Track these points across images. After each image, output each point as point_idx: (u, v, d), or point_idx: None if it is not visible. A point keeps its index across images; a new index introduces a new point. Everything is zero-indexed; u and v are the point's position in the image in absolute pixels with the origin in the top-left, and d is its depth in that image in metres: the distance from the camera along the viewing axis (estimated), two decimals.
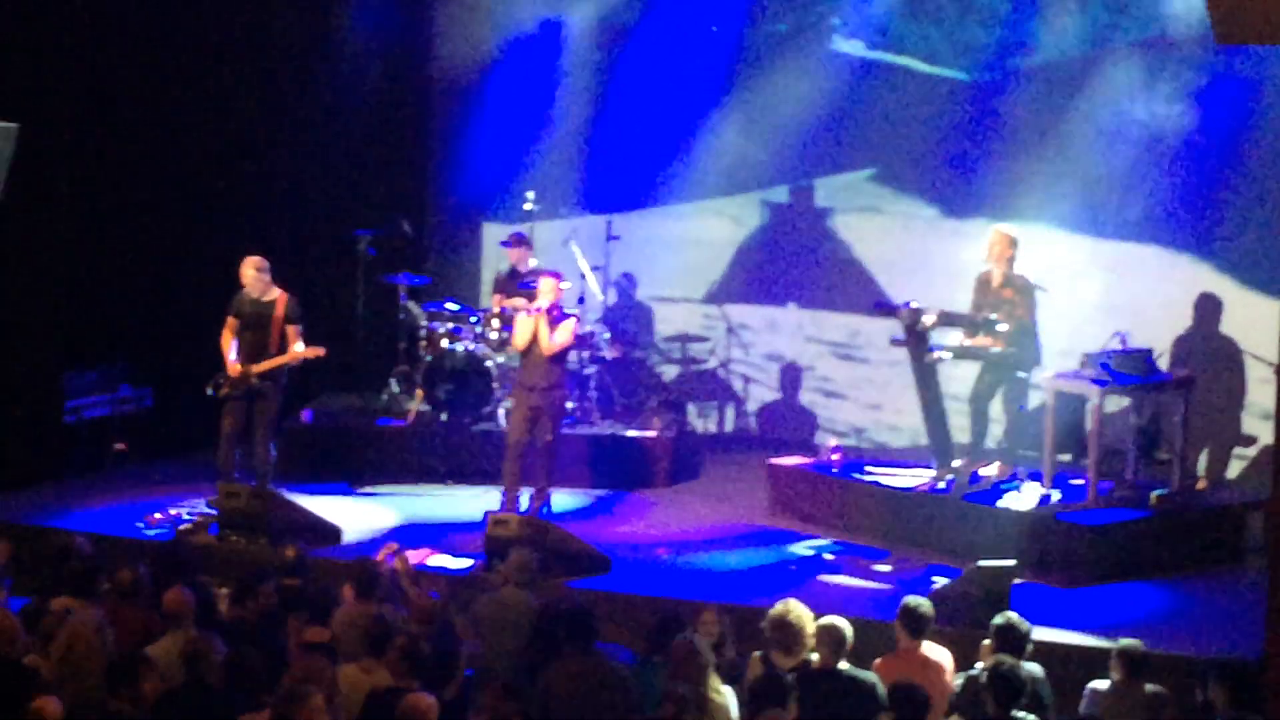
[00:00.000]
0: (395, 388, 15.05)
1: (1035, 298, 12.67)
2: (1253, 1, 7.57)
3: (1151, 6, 14.56)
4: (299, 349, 13.12)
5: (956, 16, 15.25)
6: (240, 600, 9.70)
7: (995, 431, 13.15)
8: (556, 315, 13.01)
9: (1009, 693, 8.22)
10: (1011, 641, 8.94)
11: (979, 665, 8.91)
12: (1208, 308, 14.32)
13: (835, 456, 13.56)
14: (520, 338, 13.08)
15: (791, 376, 16.29)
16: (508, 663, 9.53)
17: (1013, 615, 9.17)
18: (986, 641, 9.12)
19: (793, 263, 16.20)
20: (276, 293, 13.20)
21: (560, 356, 13.10)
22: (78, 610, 9.13)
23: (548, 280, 13.20)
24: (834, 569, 12.21)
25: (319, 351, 13.22)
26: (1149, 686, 8.85)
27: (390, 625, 8.95)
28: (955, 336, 12.82)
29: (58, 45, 14.32)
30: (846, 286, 15.96)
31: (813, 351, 16.21)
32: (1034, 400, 13.15)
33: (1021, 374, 12.82)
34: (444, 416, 14.43)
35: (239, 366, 13.07)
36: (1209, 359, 13.98)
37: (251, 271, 13.16)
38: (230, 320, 13.22)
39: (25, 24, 14.18)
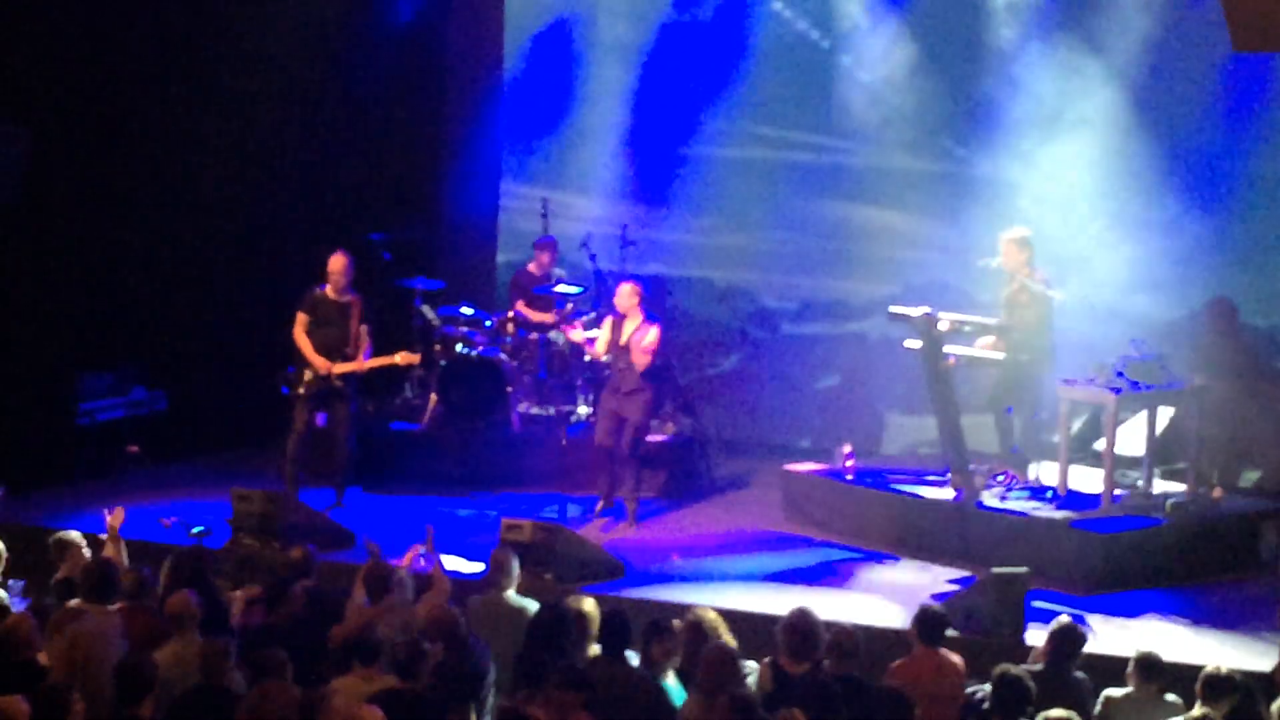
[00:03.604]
0: (409, 391, 15.04)
1: (1051, 304, 12.64)
2: (1270, 10, 7.57)
3: (1166, 9, 14.51)
4: (368, 353, 13.07)
5: (966, 18, 15.20)
6: (272, 605, 9.70)
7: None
8: (643, 320, 12.96)
9: (1014, 700, 8.21)
10: (1067, 646, 8.99)
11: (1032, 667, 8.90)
12: (1223, 314, 14.28)
13: (849, 462, 13.51)
14: (599, 345, 13.15)
15: (806, 380, 16.25)
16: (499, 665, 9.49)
17: (1071, 620, 9.16)
18: (1038, 645, 9.20)
19: (807, 266, 16.17)
20: (351, 293, 13.19)
21: (645, 362, 12.95)
22: (90, 613, 9.12)
23: (626, 286, 13.08)
24: (847, 575, 12.19)
25: (414, 359, 13.24)
26: (1165, 695, 8.82)
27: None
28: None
29: (68, 48, 14.32)
30: (861, 291, 15.94)
31: (827, 355, 16.18)
32: (1048, 407, 13.11)
33: (1036, 380, 12.79)
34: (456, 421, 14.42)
35: (326, 364, 13.01)
36: (1224, 366, 13.93)
37: (344, 264, 13.09)
38: (301, 316, 13.12)
39: (36, 27, 14.18)
